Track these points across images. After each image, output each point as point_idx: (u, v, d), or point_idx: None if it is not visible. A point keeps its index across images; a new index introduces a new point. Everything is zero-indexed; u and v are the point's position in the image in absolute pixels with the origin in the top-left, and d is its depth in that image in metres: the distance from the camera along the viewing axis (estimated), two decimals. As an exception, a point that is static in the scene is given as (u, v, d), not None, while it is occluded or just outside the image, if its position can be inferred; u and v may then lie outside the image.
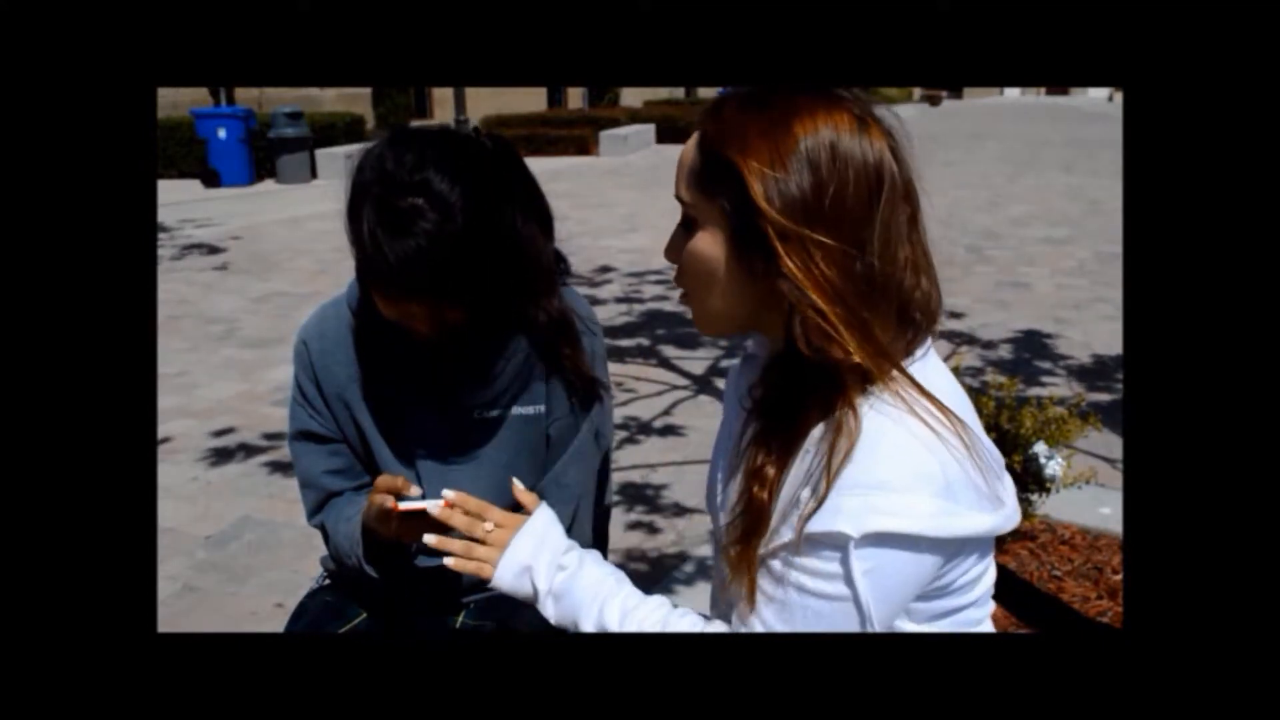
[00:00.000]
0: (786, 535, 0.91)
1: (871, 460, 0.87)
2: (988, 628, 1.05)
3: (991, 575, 1.01)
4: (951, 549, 0.91)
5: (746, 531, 0.94)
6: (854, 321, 0.87)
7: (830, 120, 0.88)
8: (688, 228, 0.96)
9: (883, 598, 0.89)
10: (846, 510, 0.86)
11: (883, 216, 0.89)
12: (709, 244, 0.93)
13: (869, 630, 0.89)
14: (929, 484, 0.86)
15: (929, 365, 0.96)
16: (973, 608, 0.99)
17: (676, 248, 0.98)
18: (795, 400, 0.93)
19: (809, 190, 0.86)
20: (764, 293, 0.91)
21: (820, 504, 0.87)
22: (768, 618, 0.93)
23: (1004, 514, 0.91)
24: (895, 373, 0.90)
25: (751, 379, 1.03)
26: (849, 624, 0.90)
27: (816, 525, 0.87)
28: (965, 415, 0.94)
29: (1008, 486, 0.96)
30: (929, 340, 0.97)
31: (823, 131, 0.88)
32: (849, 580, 0.87)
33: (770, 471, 0.94)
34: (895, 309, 0.92)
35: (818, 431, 0.91)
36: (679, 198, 0.96)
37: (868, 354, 0.87)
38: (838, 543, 0.87)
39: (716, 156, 0.90)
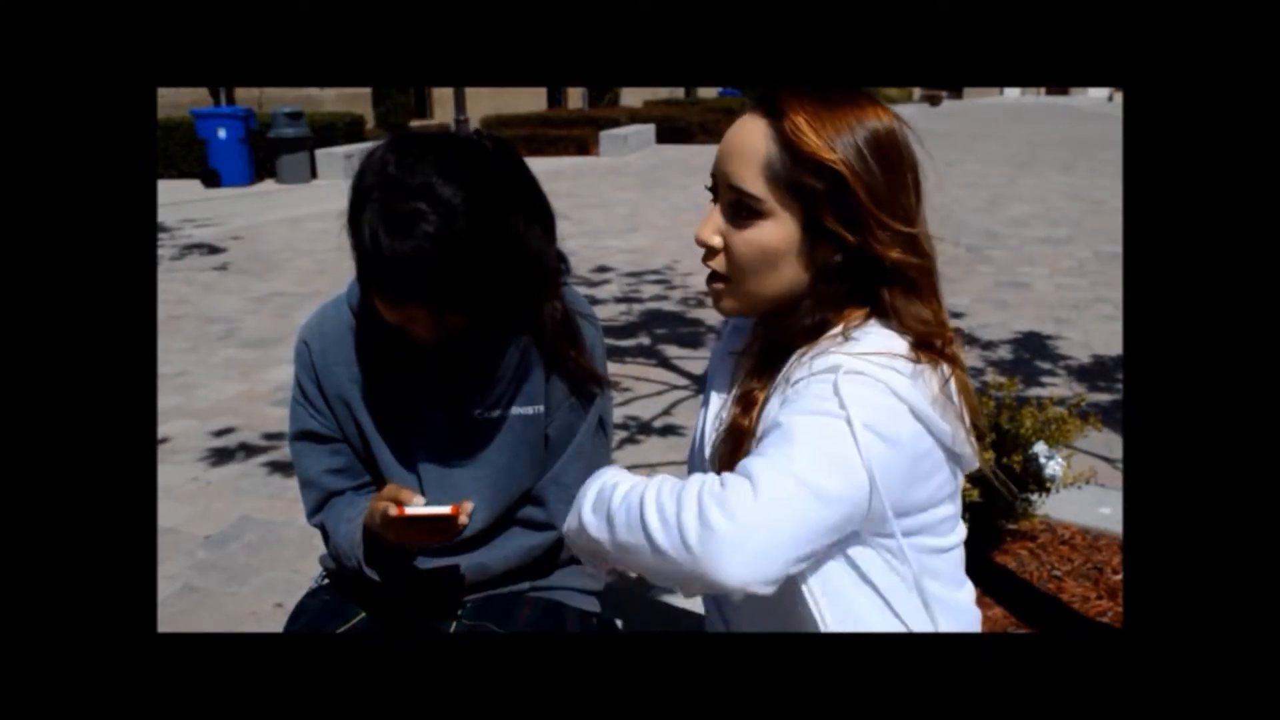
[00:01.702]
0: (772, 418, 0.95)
1: (855, 336, 0.96)
2: (968, 594, 1.07)
3: (960, 533, 1.05)
4: (920, 446, 0.93)
5: (731, 450, 1.00)
6: (936, 291, 0.99)
7: (888, 115, 0.97)
8: (745, 216, 0.98)
9: (871, 425, 0.88)
10: (835, 356, 0.93)
11: (920, 194, 0.99)
12: (776, 235, 0.97)
13: (867, 472, 0.87)
14: (903, 366, 0.93)
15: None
16: (939, 556, 1.01)
17: (722, 233, 1.00)
18: (786, 340, 1.00)
19: (893, 180, 0.96)
20: (814, 278, 0.98)
21: (810, 368, 0.95)
22: (764, 449, 0.90)
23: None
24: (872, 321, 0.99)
25: (745, 337, 1.10)
26: (842, 445, 0.87)
27: (807, 371, 0.94)
28: None
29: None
30: None
31: (887, 124, 0.97)
32: (841, 403, 0.89)
33: (757, 394, 1.00)
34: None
35: (797, 352, 0.99)
36: (740, 189, 0.97)
37: (943, 314, 0.99)
38: (829, 374, 0.92)
39: (806, 158, 0.94)
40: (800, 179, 0.95)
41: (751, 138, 0.97)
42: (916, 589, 0.97)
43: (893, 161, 0.96)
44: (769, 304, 1.02)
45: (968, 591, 1.08)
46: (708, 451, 1.09)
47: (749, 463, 0.88)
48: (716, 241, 1.00)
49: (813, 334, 0.99)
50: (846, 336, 0.97)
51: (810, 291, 0.99)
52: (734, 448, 0.99)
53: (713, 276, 1.03)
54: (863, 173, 0.93)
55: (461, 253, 1.11)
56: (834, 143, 0.94)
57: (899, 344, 0.95)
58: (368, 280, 1.19)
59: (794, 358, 0.99)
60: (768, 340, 1.03)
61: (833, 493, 0.86)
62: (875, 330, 0.97)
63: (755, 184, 0.96)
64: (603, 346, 1.41)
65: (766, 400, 0.99)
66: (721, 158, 1.00)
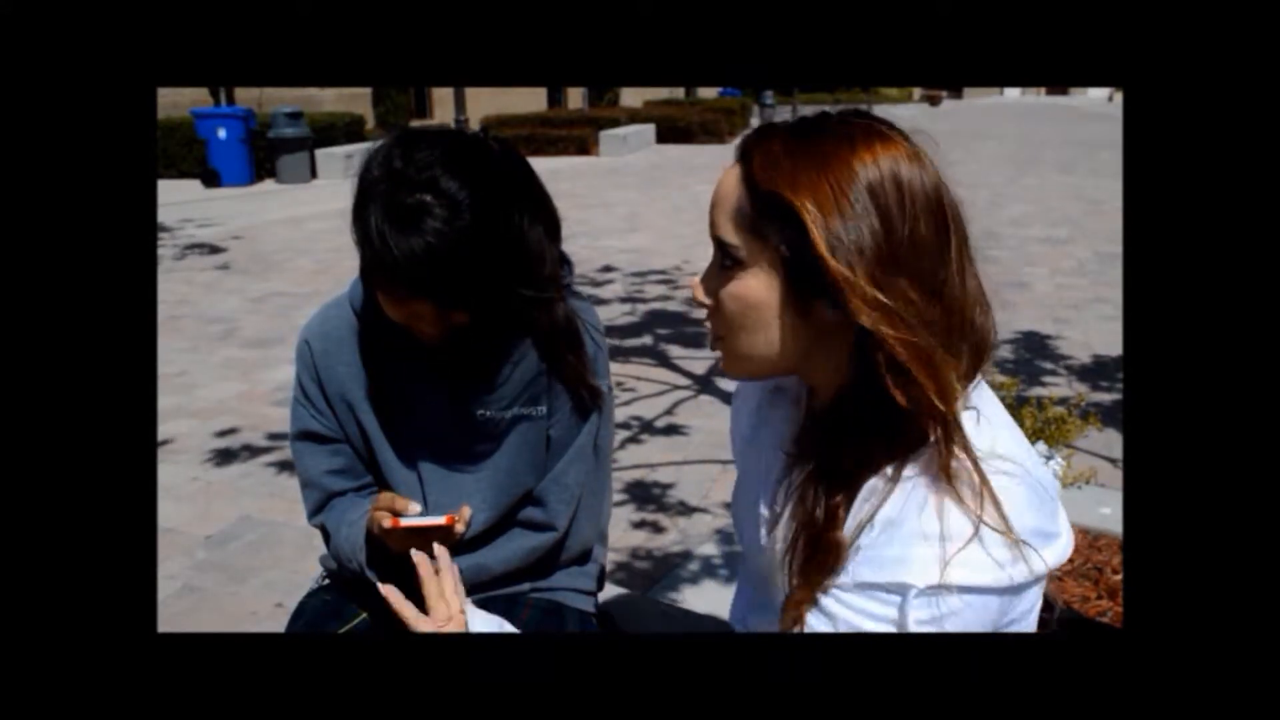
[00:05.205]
0: (843, 578, 0.87)
1: (938, 511, 0.84)
2: None
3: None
4: (1012, 594, 0.87)
5: (821, 572, 0.90)
6: (935, 368, 0.83)
7: (888, 151, 0.85)
8: (729, 267, 0.89)
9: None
10: (913, 559, 0.83)
11: (955, 248, 0.87)
12: (758, 287, 0.88)
13: None
14: (992, 535, 0.83)
15: (984, 393, 0.94)
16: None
17: (713, 287, 0.92)
18: (858, 443, 0.89)
19: (880, 231, 0.83)
20: (815, 336, 0.89)
21: (882, 552, 0.85)
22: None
23: (1060, 546, 0.89)
24: (958, 419, 0.86)
25: (792, 417, 1.01)
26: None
27: (880, 575, 0.84)
28: (1019, 444, 0.91)
29: (1061, 514, 0.92)
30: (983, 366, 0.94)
31: (884, 164, 0.84)
32: (902, 628, 0.84)
33: (841, 513, 0.90)
34: (969, 344, 0.90)
35: (879, 481, 0.88)
36: (718, 238, 0.90)
37: (948, 401, 0.84)
38: (898, 590, 0.83)
39: (769, 197, 0.85)
40: (769, 223, 0.85)
41: (727, 183, 0.90)
42: None
43: (890, 205, 0.83)
44: (764, 366, 0.93)
45: None
46: (777, 546, 1.00)
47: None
48: (705, 298, 0.93)
49: (888, 432, 0.86)
50: (920, 485, 0.85)
51: (814, 353, 0.90)
52: (827, 564, 0.89)
53: (713, 337, 0.95)
54: (828, 215, 0.82)
55: (467, 247, 1.11)
56: (801, 183, 0.83)
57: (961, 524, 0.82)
58: (372, 275, 1.19)
59: (870, 490, 0.88)
60: (833, 432, 0.91)
61: None
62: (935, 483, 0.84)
63: (729, 231, 0.88)
64: (607, 358, 1.40)
65: (855, 512, 0.89)
66: (710, 208, 0.93)
